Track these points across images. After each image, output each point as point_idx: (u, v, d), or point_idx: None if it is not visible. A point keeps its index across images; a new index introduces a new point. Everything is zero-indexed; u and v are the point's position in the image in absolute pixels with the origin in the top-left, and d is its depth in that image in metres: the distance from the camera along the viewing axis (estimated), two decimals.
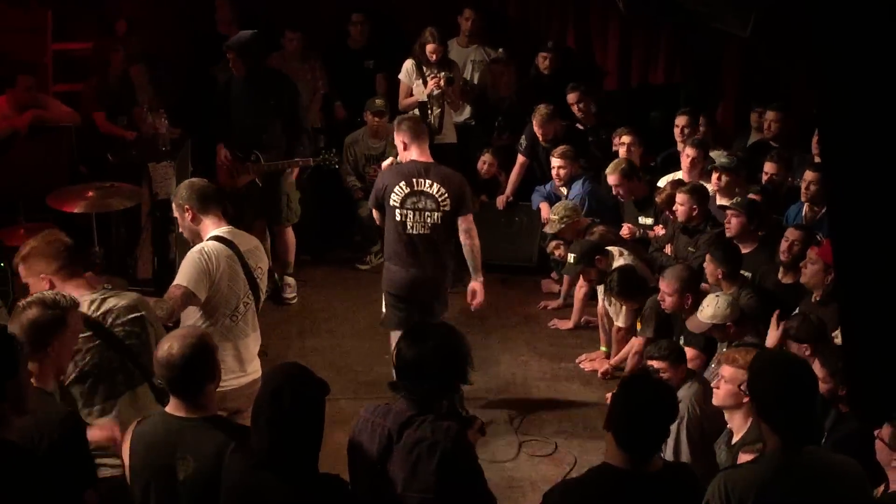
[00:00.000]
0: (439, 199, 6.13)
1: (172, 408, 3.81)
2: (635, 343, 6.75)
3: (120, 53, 8.22)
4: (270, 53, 8.69)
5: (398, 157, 6.45)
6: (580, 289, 7.73)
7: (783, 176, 7.47)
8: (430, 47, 8.68)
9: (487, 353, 7.38)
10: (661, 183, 7.86)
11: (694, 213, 7.09)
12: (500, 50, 9.43)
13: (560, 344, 7.69)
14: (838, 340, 5.26)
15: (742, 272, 6.49)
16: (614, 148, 8.40)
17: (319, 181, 8.91)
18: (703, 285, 6.47)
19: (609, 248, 7.11)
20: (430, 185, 6.13)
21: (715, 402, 4.90)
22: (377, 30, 9.45)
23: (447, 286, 6.45)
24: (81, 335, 4.18)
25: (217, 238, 5.11)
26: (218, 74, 8.61)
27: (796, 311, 5.92)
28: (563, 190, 8.24)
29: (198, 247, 5.09)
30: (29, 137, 7.62)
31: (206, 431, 3.74)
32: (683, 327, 6.21)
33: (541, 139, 8.48)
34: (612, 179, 7.77)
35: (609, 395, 3.75)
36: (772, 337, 5.80)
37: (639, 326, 6.76)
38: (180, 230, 5.36)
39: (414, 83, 8.82)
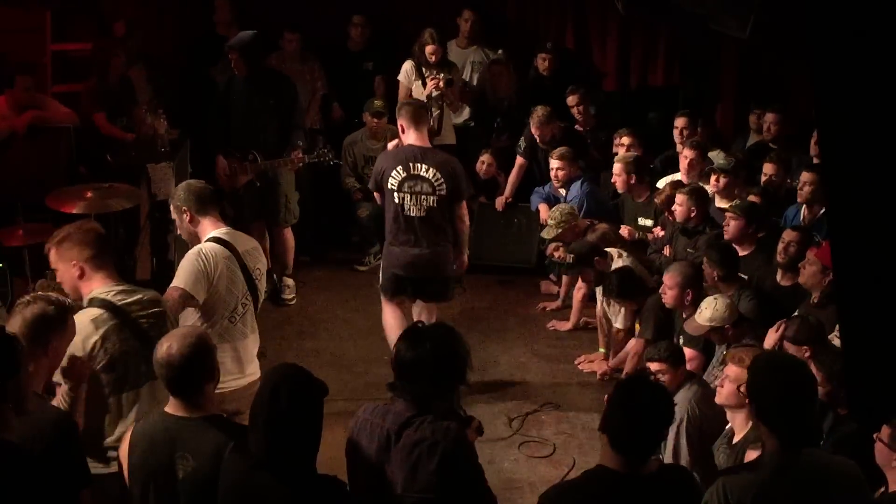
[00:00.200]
0: (435, 184, 6.41)
1: (172, 407, 3.82)
2: (634, 344, 6.75)
3: (120, 57, 8.22)
4: (269, 54, 8.69)
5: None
6: (579, 290, 7.73)
7: (782, 177, 7.47)
8: (429, 48, 8.69)
9: (486, 354, 7.39)
10: (660, 184, 7.86)
11: (692, 215, 7.09)
12: (500, 51, 9.43)
13: (559, 345, 7.69)
14: (836, 342, 5.26)
15: (740, 275, 6.49)
16: (614, 149, 8.40)
17: (318, 182, 8.91)
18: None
19: (608, 249, 7.11)
20: (427, 170, 6.40)
21: (718, 400, 4.90)
22: (377, 31, 9.46)
23: (449, 267, 6.68)
24: (110, 322, 4.23)
25: (215, 239, 5.11)
26: (216, 76, 8.62)
27: (795, 313, 5.92)
28: (562, 191, 8.24)
29: (196, 248, 5.09)
30: (28, 138, 7.62)
31: (205, 431, 3.74)
32: (683, 327, 6.21)
33: (538, 140, 8.48)
34: (617, 169, 7.79)
35: (607, 396, 3.74)
36: (770, 340, 5.80)
37: (637, 328, 6.76)
38: (178, 232, 5.36)
39: (413, 84, 8.82)
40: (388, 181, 6.44)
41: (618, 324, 7.01)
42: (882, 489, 4.00)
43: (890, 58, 3.85)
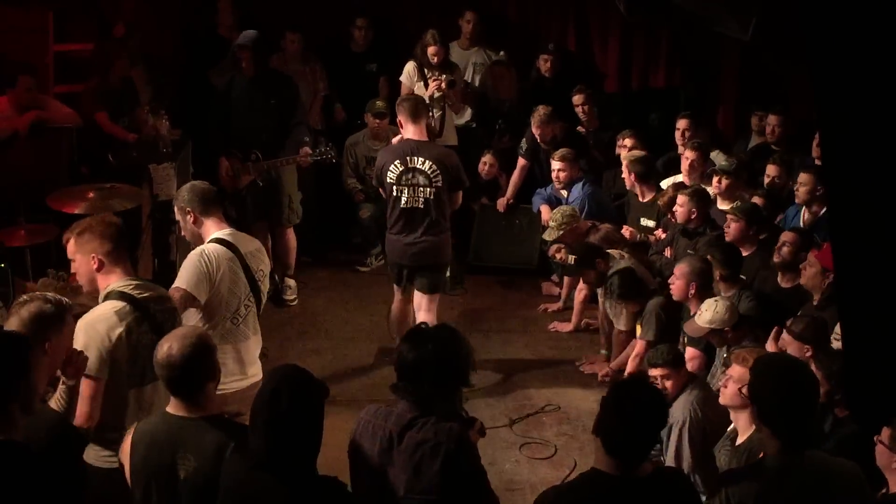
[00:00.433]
0: (431, 176, 6.60)
1: (173, 407, 3.83)
2: (636, 346, 6.75)
3: (123, 58, 8.22)
4: (271, 55, 8.68)
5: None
6: (580, 291, 7.73)
7: (785, 179, 7.47)
8: (431, 49, 8.69)
9: (487, 355, 7.39)
10: (663, 185, 7.86)
11: (693, 216, 7.09)
12: (502, 52, 9.43)
13: (560, 347, 7.70)
14: (835, 344, 5.26)
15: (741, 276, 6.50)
16: (617, 150, 8.41)
17: (320, 183, 8.92)
18: None
19: (610, 250, 7.11)
20: (423, 162, 6.59)
21: (722, 401, 4.90)
22: (379, 33, 9.46)
23: (443, 255, 6.87)
24: (132, 315, 4.26)
25: (218, 240, 5.11)
26: (212, 78, 8.62)
27: (798, 315, 5.91)
28: (564, 193, 8.24)
29: (198, 249, 5.09)
30: (30, 138, 7.60)
31: (206, 431, 3.75)
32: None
33: (539, 140, 8.48)
34: (624, 166, 7.82)
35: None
36: (770, 347, 5.78)
37: (639, 329, 6.76)
38: (182, 233, 5.36)
39: (415, 85, 8.82)
40: (387, 175, 6.64)
41: (619, 325, 7.01)
42: (882, 491, 4.00)
43: (890, 59, 3.85)
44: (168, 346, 3.77)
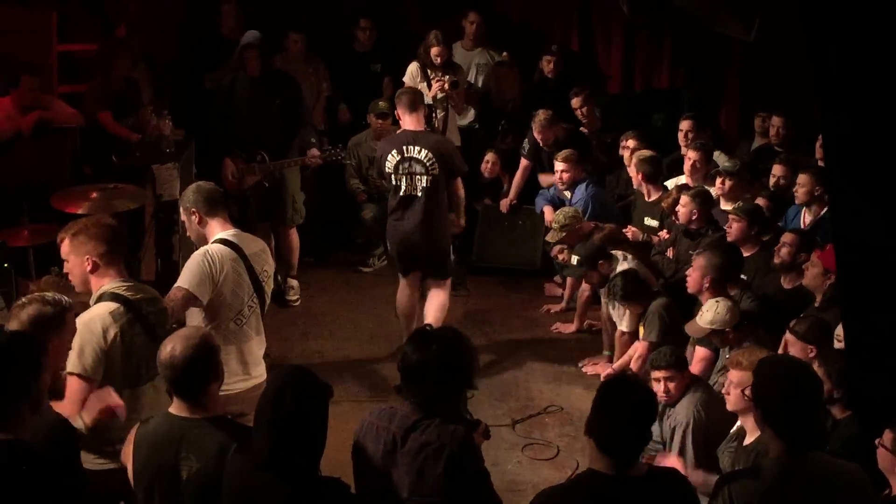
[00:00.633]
0: (427, 164, 6.85)
1: (176, 408, 3.82)
2: (638, 347, 6.74)
3: (126, 58, 8.22)
4: (274, 55, 8.69)
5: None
6: (583, 292, 7.73)
7: (790, 180, 7.47)
8: (434, 50, 8.69)
9: (490, 356, 7.39)
10: (668, 185, 7.87)
11: (694, 217, 7.10)
12: (505, 53, 9.43)
13: (563, 348, 7.69)
14: (837, 345, 5.26)
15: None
16: (620, 151, 8.40)
17: (323, 183, 8.92)
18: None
19: (613, 251, 7.11)
20: (420, 151, 6.85)
21: (729, 408, 4.89)
22: (383, 33, 9.46)
23: (442, 239, 7.08)
24: (126, 316, 4.27)
25: (222, 241, 5.11)
26: (206, 82, 8.61)
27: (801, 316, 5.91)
28: (567, 194, 8.24)
29: (202, 249, 5.09)
30: (33, 138, 7.61)
31: (209, 431, 3.75)
32: None
33: (541, 144, 8.48)
34: (634, 166, 7.83)
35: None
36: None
37: (641, 330, 6.75)
38: (187, 233, 5.37)
39: (418, 86, 8.82)
40: (385, 165, 6.92)
41: (622, 326, 7.00)
42: (885, 492, 4.00)
43: (892, 59, 3.85)
44: (171, 347, 3.77)
